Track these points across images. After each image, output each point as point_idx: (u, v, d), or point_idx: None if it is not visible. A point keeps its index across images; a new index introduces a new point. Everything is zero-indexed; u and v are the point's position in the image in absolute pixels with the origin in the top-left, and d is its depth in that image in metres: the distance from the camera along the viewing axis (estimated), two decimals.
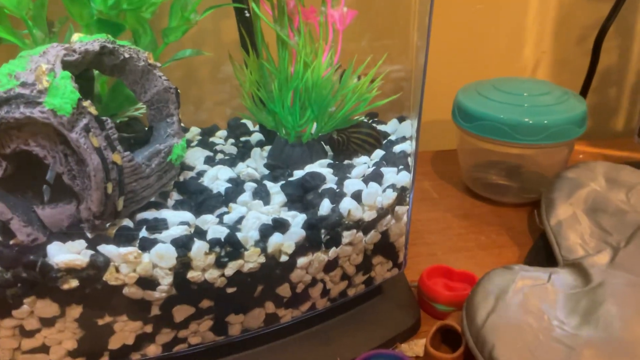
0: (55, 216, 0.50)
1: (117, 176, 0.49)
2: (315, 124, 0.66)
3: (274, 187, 0.59)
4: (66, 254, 0.47)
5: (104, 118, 0.48)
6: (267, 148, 0.70)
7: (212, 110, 0.87)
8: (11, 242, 0.50)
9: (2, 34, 0.60)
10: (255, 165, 0.66)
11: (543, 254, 0.77)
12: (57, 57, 0.49)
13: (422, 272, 0.70)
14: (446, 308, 0.67)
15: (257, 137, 0.75)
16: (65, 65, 0.49)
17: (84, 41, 0.53)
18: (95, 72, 0.62)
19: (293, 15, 0.64)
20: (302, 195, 0.58)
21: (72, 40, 0.54)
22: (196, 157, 0.67)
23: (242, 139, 0.75)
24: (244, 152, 0.70)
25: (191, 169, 0.65)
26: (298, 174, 0.63)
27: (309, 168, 0.63)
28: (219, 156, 0.69)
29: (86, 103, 0.47)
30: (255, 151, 0.69)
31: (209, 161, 0.67)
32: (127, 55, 0.56)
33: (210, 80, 0.87)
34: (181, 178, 0.62)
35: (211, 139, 0.75)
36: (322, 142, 0.69)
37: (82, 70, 0.53)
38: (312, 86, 0.63)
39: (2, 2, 0.58)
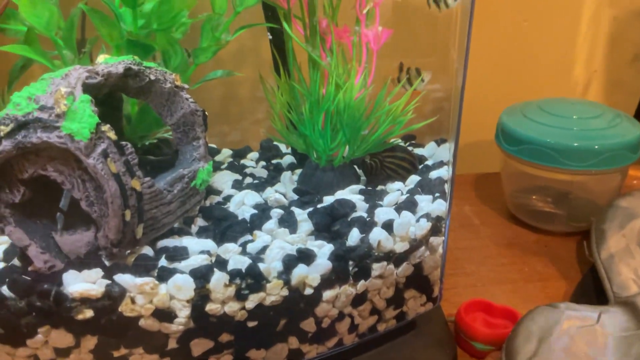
0: (74, 243, 0.48)
1: (136, 203, 0.47)
2: (347, 148, 0.63)
3: (301, 215, 0.56)
4: (81, 284, 0.45)
5: (124, 143, 0.47)
6: (298, 172, 0.68)
7: (247, 131, 0.85)
8: (29, 269, 0.49)
9: (31, 55, 0.60)
10: (284, 190, 0.64)
11: (592, 289, 0.71)
12: (79, 79, 0.47)
13: (460, 306, 0.66)
14: (485, 347, 0.62)
15: (288, 159, 0.73)
16: (87, 88, 0.48)
17: (108, 63, 0.52)
18: None
19: (325, 35, 0.62)
20: (329, 224, 0.55)
21: (97, 62, 0.53)
22: (224, 180, 0.65)
23: (273, 161, 0.73)
24: (273, 175, 0.68)
25: (218, 193, 0.63)
26: (328, 199, 0.60)
27: (340, 194, 0.60)
28: (248, 180, 0.67)
29: (105, 127, 0.46)
30: (285, 175, 0.66)
31: (237, 185, 0.65)
32: (152, 78, 0.54)
33: (249, 99, 0.86)
34: (207, 203, 0.60)
35: (242, 161, 0.74)
36: (355, 166, 0.66)
37: (105, 92, 0.52)
38: (344, 108, 0.61)
39: (32, 22, 0.58)
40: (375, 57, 0.62)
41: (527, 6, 1.03)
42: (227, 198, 0.61)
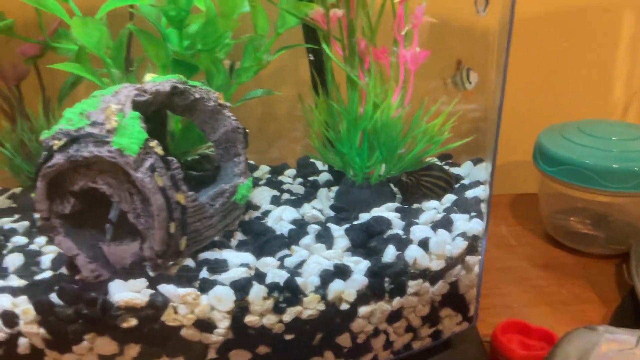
0: (120, 254, 0.50)
1: (180, 216, 0.49)
2: (383, 166, 0.64)
3: (337, 231, 0.57)
4: (126, 293, 0.47)
5: (170, 158, 0.49)
6: (335, 189, 0.69)
7: (285, 148, 0.87)
8: (76, 277, 0.51)
9: (82, 72, 0.63)
10: (321, 206, 0.65)
11: (632, 313, 0.70)
12: (128, 97, 0.50)
13: (496, 327, 0.66)
14: None
15: (325, 177, 0.74)
16: (136, 105, 0.50)
17: (155, 81, 0.54)
18: None
19: (364, 56, 0.63)
20: (366, 241, 0.56)
21: (144, 80, 0.55)
22: (263, 196, 0.67)
23: (310, 178, 0.74)
24: (310, 192, 0.69)
25: (257, 208, 0.64)
26: (364, 217, 0.61)
27: (376, 211, 0.61)
28: (285, 196, 0.68)
29: (153, 143, 0.48)
30: (322, 192, 0.67)
31: (275, 201, 0.66)
32: (197, 96, 0.56)
33: (287, 117, 0.87)
34: (246, 217, 0.61)
35: (280, 178, 0.75)
36: (391, 184, 0.67)
37: (153, 110, 0.54)
38: (382, 127, 0.62)
39: (83, 41, 0.61)
40: (413, 77, 0.63)
41: (567, 27, 1.03)
42: (266, 213, 0.63)
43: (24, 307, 0.47)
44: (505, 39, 0.54)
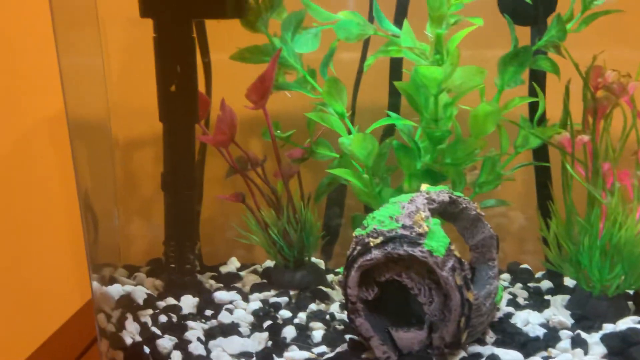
0: (408, 340, 0.58)
1: (468, 312, 0.56)
2: (622, 278, 0.68)
3: (591, 338, 0.62)
4: None
5: (463, 260, 0.57)
6: (560, 296, 0.73)
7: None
8: (363, 356, 0.59)
9: (349, 177, 0.74)
10: (557, 312, 0.70)
11: None
12: (424, 205, 0.59)
13: None
14: None
15: (546, 284, 0.78)
16: (429, 212, 0.59)
17: (430, 191, 0.64)
18: None
19: (606, 177, 0.69)
20: (624, 349, 0.60)
21: (422, 190, 0.64)
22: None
23: (530, 284, 0.79)
24: (536, 298, 0.74)
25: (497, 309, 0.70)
26: (607, 327, 0.65)
27: (622, 323, 0.65)
28: (519, 299, 0.73)
29: (453, 246, 0.56)
30: (556, 299, 0.72)
31: (512, 304, 0.72)
32: (463, 205, 0.65)
33: (517, 227, 0.91)
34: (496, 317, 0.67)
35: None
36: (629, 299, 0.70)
37: (435, 216, 0.63)
38: (624, 244, 0.67)
39: (358, 153, 0.72)
40: None
41: None
42: (508, 315, 0.68)
43: None
44: None
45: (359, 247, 0.57)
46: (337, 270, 0.84)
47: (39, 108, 1.01)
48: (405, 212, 0.58)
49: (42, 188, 1.03)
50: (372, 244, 0.56)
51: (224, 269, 0.85)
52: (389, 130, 0.80)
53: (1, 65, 0.97)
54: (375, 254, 0.56)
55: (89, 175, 0.86)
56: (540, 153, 0.78)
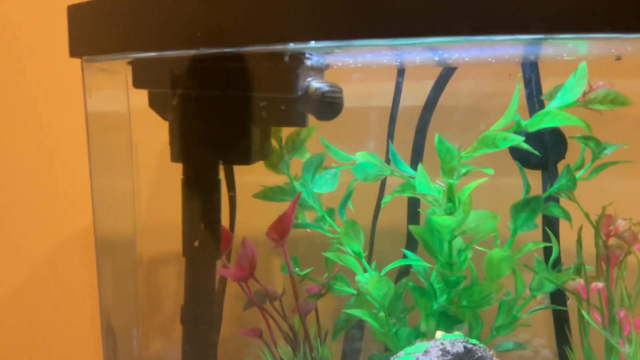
0: None
1: None
2: None
3: None
4: None
5: None
6: None
7: None
8: None
9: (363, 316, 0.75)
10: None
11: None
12: (438, 357, 0.59)
13: None
14: None
15: None
16: None
17: (444, 339, 0.64)
18: None
19: (623, 325, 0.69)
20: None
21: (437, 337, 0.65)
22: None
23: None
24: None
25: None
26: None
27: None
28: None
29: None
30: None
31: None
32: (479, 354, 0.65)
33: None
34: None
35: None
36: None
37: None
38: None
39: (374, 294, 0.73)
40: None
41: None
42: None
43: None
44: None
45: None
46: None
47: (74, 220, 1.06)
48: None
49: (70, 302, 1.08)
50: None
51: None
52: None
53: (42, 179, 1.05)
54: None
55: (111, 293, 0.89)
56: (558, 296, 0.79)
